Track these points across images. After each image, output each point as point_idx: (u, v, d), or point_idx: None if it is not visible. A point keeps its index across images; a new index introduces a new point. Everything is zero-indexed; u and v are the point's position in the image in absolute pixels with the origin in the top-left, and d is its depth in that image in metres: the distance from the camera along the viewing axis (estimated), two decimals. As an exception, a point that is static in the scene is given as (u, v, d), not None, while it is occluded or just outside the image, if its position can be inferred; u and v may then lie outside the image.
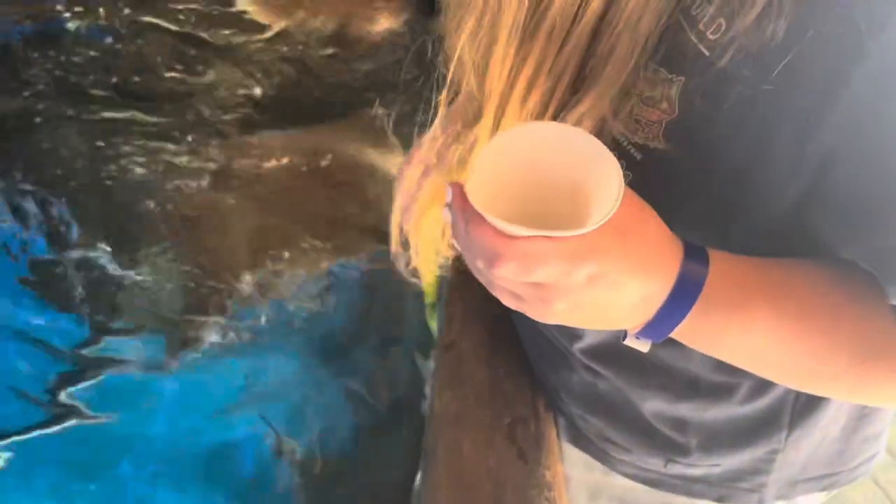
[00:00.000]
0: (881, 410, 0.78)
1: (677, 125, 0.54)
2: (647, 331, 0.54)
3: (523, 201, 0.50)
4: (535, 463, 0.78)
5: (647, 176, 0.56)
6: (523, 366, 0.87)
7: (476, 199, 0.47)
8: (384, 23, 1.39)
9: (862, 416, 0.77)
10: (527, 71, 0.57)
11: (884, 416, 0.80)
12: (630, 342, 0.58)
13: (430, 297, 0.99)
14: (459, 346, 0.89)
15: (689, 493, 0.83)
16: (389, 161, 1.31)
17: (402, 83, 1.31)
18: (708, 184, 0.57)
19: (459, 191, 0.49)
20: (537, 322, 0.82)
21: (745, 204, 0.56)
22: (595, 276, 0.48)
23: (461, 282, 0.95)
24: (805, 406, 0.73)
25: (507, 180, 0.50)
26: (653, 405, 0.75)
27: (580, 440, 0.85)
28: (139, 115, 1.29)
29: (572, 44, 0.53)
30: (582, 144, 0.48)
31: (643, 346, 0.58)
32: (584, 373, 0.79)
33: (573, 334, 0.76)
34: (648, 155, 0.56)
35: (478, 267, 0.51)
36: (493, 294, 0.54)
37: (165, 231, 1.22)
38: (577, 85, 0.56)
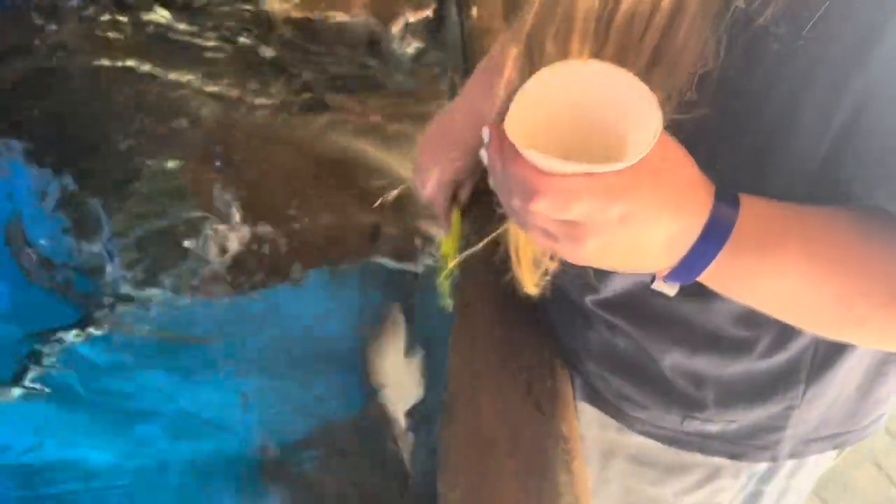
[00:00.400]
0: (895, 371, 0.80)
1: (712, 78, 0.55)
2: (675, 273, 0.55)
3: (561, 140, 0.51)
4: (550, 416, 0.79)
5: (678, 128, 0.58)
6: (538, 328, 0.88)
7: (514, 134, 0.48)
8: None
9: (877, 374, 0.78)
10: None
11: None
12: (658, 286, 0.59)
13: (444, 271, 1.00)
14: (476, 305, 0.90)
15: (704, 451, 0.84)
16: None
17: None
18: (739, 137, 0.58)
19: (497, 129, 0.50)
20: (555, 279, 0.84)
21: (777, 156, 0.57)
22: (627, 214, 0.49)
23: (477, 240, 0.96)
24: (823, 362, 0.74)
25: (545, 119, 0.50)
26: (672, 359, 0.77)
27: (596, 399, 0.86)
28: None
29: (651, 35, 0.54)
30: (622, 84, 0.49)
31: (671, 290, 0.59)
32: (603, 330, 0.80)
33: (587, 286, 0.77)
34: (680, 107, 0.58)
35: (513, 206, 0.52)
36: (527, 234, 0.56)
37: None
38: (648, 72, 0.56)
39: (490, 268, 0.92)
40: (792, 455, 0.84)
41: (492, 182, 0.56)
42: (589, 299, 0.79)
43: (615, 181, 0.48)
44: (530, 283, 0.69)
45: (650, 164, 0.48)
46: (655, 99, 0.47)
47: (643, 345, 0.77)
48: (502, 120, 0.49)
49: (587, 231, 0.50)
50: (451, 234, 0.91)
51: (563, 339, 0.87)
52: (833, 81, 0.52)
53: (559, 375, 0.85)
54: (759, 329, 0.71)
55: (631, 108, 0.48)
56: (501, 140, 0.49)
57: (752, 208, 0.54)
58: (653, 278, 0.59)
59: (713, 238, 0.53)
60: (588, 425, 0.88)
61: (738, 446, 0.83)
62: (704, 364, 0.76)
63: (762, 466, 0.87)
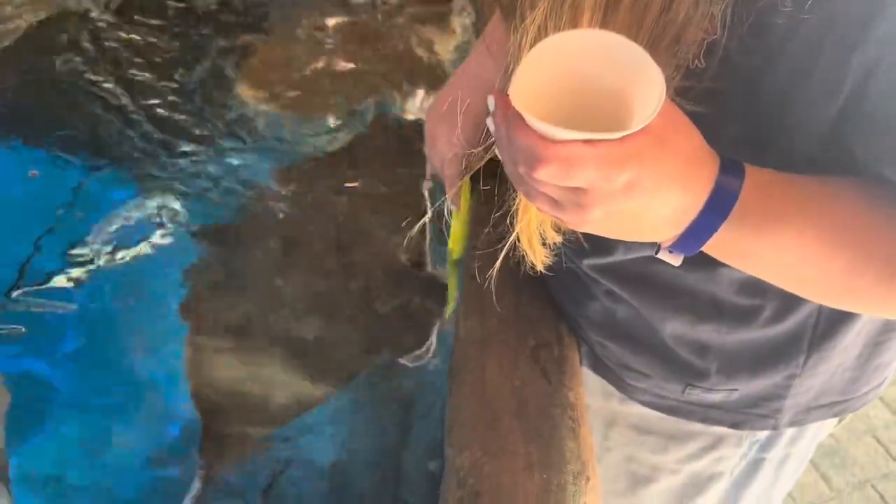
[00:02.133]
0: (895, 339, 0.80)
1: (717, 47, 0.55)
2: (679, 243, 0.56)
3: (565, 109, 0.51)
4: (558, 384, 0.80)
5: (684, 100, 0.57)
6: (546, 293, 0.89)
7: (519, 102, 0.48)
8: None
9: (878, 342, 0.79)
10: None
11: None
12: (663, 255, 0.59)
13: (455, 254, 0.99)
14: (485, 273, 0.90)
15: (705, 420, 0.85)
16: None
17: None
18: (745, 107, 0.58)
19: (502, 97, 0.51)
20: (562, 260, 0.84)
21: (783, 128, 0.57)
22: (632, 182, 0.49)
23: (484, 214, 0.96)
24: (825, 331, 0.75)
25: (549, 88, 0.51)
26: (673, 328, 0.77)
27: (599, 367, 0.87)
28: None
29: (652, 13, 0.53)
30: (626, 52, 0.49)
31: (675, 260, 0.59)
32: (604, 299, 0.81)
33: (580, 250, 0.77)
34: (686, 78, 0.58)
35: (518, 173, 0.52)
36: (532, 202, 0.56)
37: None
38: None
39: (497, 237, 0.93)
40: (793, 423, 0.84)
41: (498, 151, 0.56)
42: (588, 264, 0.79)
43: (620, 149, 0.48)
44: (538, 259, 0.69)
45: (656, 133, 0.49)
46: (658, 68, 0.47)
47: (643, 313, 0.78)
48: (507, 88, 0.49)
49: (592, 199, 0.51)
50: (461, 210, 0.91)
51: (564, 307, 0.88)
52: (838, 55, 0.52)
53: (566, 343, 0.85)
54: (763, 298, 0.72)
55: (635, 77, 0.48)
56: (506, 108, 0.50)
57: (757, 179, 0.54)
58: (657, 248, 0.59)
59: (718, 208, 0.53)
60: (591, 393, 0.89)
61: (739, 415, 0.84)
62: (707, 333, 0.76)
63: (763, 434, 0.89)
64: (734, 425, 0.85)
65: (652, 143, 0.49)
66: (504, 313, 0.85)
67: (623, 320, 0.81)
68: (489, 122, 0.56)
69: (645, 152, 0.49)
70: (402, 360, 1.03)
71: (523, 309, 0.86)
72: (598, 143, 0.48)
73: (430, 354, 1.03)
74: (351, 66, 1.43)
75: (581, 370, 0.87)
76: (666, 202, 0.52)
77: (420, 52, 1.47)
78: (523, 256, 0.69)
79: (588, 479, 0.74)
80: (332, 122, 1.35)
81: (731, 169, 0.54)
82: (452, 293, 0.99)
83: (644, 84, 0.48)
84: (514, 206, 0.65)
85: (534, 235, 0.67)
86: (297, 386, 1.01)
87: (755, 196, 0.54)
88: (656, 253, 0.60)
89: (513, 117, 0.50)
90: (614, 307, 0.80)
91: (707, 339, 0.77)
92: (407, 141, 1.32)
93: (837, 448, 1.91)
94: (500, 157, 0.57)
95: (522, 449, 0.74)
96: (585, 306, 0.84)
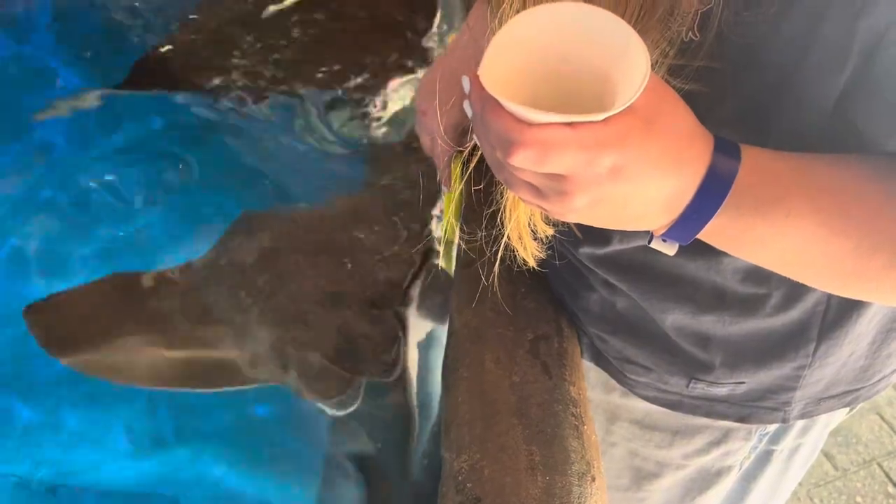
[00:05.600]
0: None
1: (712, 20, 0.51)
2: (673, 231, 0.52)
3: (543, 90, 0.47)
4: (559, 378, 0.75)
5: (678, 74, 0.53)
6: (544, 284, 0.84)
7: (491, 84, 0.44)
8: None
9: (891, 329, 0.75)
10: None
11: None
12: (656, 245, 0.55)
13: (448, 234, 0.95)
14: (478, 264, 0.86)
15: (711, 414, 0.81)
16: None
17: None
18: (742, 84, 0.54)
19: (476, 78, 0.46)
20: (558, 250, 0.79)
21: (786, 101, 0.53)
22: (618, 167, 0.45)
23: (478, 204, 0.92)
24: (835, 319, 0.70)
25: (525, 66, 0.46)
26: (675, 320, 0.73)
27: (601, 360, 0.83)
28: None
29: None
30: (607, 26, 0.44)
31: (670, 249, 0.55)
32: (602, 290, 0.76)
33: (575, 241, 0.73)
34: (680, 52, 0.53)
35: (496, 159, 0.48)
36: (512, 190, 0.52)
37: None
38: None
39: (493, 225, 0.89)
40: (802, 415, 0.81)
41: (476, 136, 0.52)
42: (584, 254, 0.74)
43: (603, 131, 0.44)
44: (530, 255, 0.65)
45: (642, 112, 0.45)
46: (642, 43, 0.43)
47: (643, 304, 0.73)
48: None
49: (575, 186, 0.47)
50: (452, 188, 0.86)
51: (563, 299, 0.83)
52: (843, 21, 0.47)
53: (566, 335, 0.81)
54: (768, 285, 0.67)
55: (618, 54, 0.44)
56: (480, 89, 0.45)
57: (754, 159, 0.50)
58: (650, 237, 0.55)
59: (712, 193, 0.49)
60: (592, 387, 0.85)
61: (746, 408, 0.80)
62: (710, 324, 0.72)
63: (772, 427, 0.85)
64: (741, 419, 0.81)
65: (638, 123, 0.45)
66: (500, 305, 0.81)
67: (623, 312, 0.76)
68: (465, 105, 0.51)
69: (630, 134, 0.45)
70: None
71: (520, 300, 0.82)
72: (579, 126, 0.44)
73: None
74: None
75: (582, 363, 0.83)
76: (656, 188, 0.48)
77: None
78: (516, 253, 0.65)
79: (593, 479, 0.70)
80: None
81: (726, 149, 0.49)
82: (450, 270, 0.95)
83: (628, 61, 0.44)
84: (503, 203, 0.61)
85: (524, 231, 0.63)
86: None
87: (753, 177, 0.50)
88: (649, 242, 0.56)
89: (487, 99, 0.45)
90: (613, 299, 0.76)
91: (710, 330, 0.73)
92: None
93: (841, 426, 1.88)
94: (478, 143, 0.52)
95: (524, 449, 0.70)
96: (584, 298, 0.79)
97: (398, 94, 1.39)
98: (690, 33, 0.51)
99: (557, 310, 0.83)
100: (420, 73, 1.43)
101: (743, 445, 0.86)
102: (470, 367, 0.77)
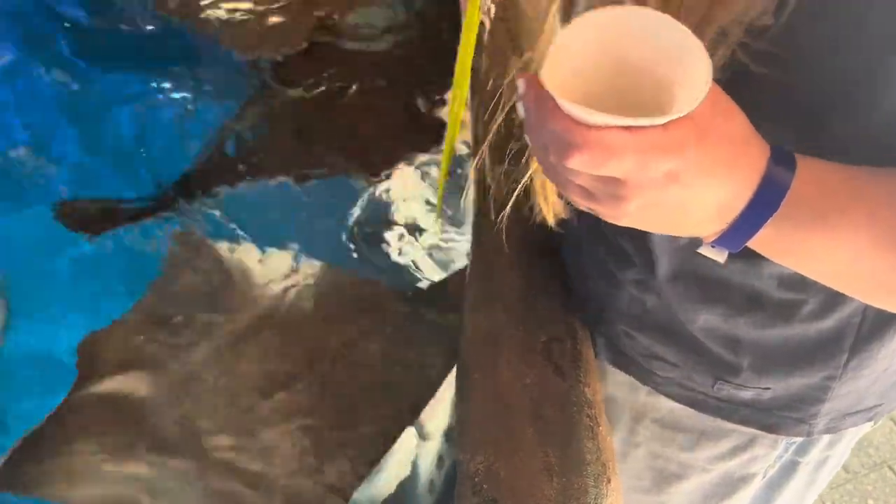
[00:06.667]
0: None
1: (778, 22, 0.51)
2: (724, 239, 0.51)
3: (601, 92, 0.47)
4: (573, 380, 0.75)
5: (736, 83, 0.53)
6: (556, 284, 0.84)
7: (551, 84, 0.44)
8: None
9: None
10: None
11: None
12: (705, 251, 0.55)
13: (443, 173, 0.94)
14: (490, 265, 0.86)
15: (734, 418, 0.80)
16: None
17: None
18: (801, 91, 0.53)
19: (534, 79, 0.46)
20: (586, 244, 0.79)
21: (837, 108, 0.53)
22: (674, 173, 0.45)
23: (489, 206, 0.92)
24: (871, 331, 0.69)
25: (584, 70, 0.46)
26: (706, 321, 0.72)
27: (622, 359, 0.82)
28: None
29: None
30: (667, 31, 0.45)
31: (719, 257, 0.55)
32: (632, 288, 0.76)
33: (625, 262, 0.73)
34: (736, 58, 0.53)
35: (549, 162, 0.48)
36: (564, 193, 0.51)
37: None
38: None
39: (505, 229, 0.89)
40: (827, 430, 0.79)
41: (528, 138, 0.51)
42: (620, 272, 0.74)
43: (661, 137, 0.44)
44: (550, 212, 0.64)
45: (699, 119, 0.44)
46: (703, 47, 0.43)
47: (675, 306, 0.73)
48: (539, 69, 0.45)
49: (630, 190, 0.46)
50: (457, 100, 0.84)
51: (589, 295, 0.83)
52: None
53: (579, 336, 0.81)
54: (805, 292, 0.67)
55: (677, 58, 0.44)
56: (537, 90, 0.45)
57: (809, 170, 0.50)
58: (699, 243, 0.55)
59: (765, 202, 0.49)
60: (618, 386, 0.84)
61: (771, 416, 0.79)
62: (742, 326, 0.71)
63: (799, 438, 0.83)
64: (765, 428, 0.80)
65: (695, 130, 0.45)
66: (512, 307, 0.81)
67: (652, 310, 0.76)
68: (519, 106, 0.51)
69: (687, 141, 0.45)
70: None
71: (532, 302, 0.82)
72: (638, 130, 0.44)
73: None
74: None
75: (602, 364, 0.83)
76: (710, 195, 0.48)
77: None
78: (534, 210, 0.64)
79: (609, 480, 0.70)
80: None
81: (781, 159, 0.49)
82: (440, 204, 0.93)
83: (688, 66, 0.44)
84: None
85: (548, 183, 0.62)
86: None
87: (808, 189, 0.49)
88: (698, 249, 0.55)
89: (544, 100, 0.45)
90: (643, 297, 0.76)
91: (741, 332, 0.72)
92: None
93: (852, 430, 1.87)
94: (528, 144, 0.53)
95: (539, 451, 0.70)
96: (612, 296, 0.79)
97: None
98: (765, 17, 0.50)
99: (569, 311, 0.82)
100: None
101: (768, 453, 0.85)
102: (483, 370, 0.77)
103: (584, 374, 0.76)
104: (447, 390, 0.91)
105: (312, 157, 1.22)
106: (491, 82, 1.07)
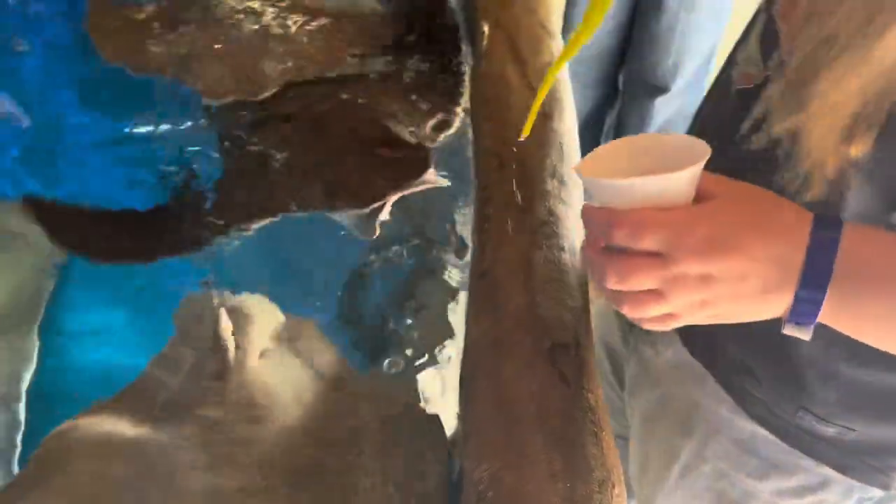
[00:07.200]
0: None
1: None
2: (795, 311, 0.53)
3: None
4: (578, 387, 0.76)
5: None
6: (559, 292, 0.85)
7: (581, 169, 0.57)
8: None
9: None
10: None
11: None
12: (790, 331, 0.56)
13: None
14: (493, 272, 0.86)
15: (812, 452, 0.79)
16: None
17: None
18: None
19: (587, 208, 0.58)
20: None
21: None
22: (712, 236, 0.50)
23: (491, 212, 0.93)
24: None
25: (610, 170, 0.57)
26: (810, 349, 0.71)
27: (715, 366, 0.82)
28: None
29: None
30: (674, 140, 0.57)
31: (804, 334, 0.56)
32: None
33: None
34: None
35: (607, 279, 0.56)
36: (631, 309, 0.58)
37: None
38: None
39: (506, 225, 0.89)
40: None
41: (589, 269, 0.62)
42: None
43: (691, 209, 0.51)
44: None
45: (725, 193, 0.51)
46: (702, 142, 0.54)
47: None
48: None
49: (679, 263, 0.51)
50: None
51: None
52: None
53: (583, 344, 0.81)
54: None
55: (686, 153, 0.54)
56: (587, 210, 0.57)
57: (861, 231, 0.52)
58: (783, 323, 0.56)
59: (821, 251, 0.51)
60: (706, 394, 0.84)
61: (849, 458, 0.77)
62: (844, 364, 0.71)
63: (876, 493, 0.81)
64: (841, 468, 0.78)
65: (721, 201, 0.51)
66: (516, 314, 0.81)
67: (755, 328, 0.76)
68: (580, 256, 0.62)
69: (717, 207, 0.51)
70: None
71: (536, 308, 0.82)
72: (668, 209, 0.52)
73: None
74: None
75: (696, 366, 0.84)
76: (759, 248, 0.51)
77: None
78: None
79: (614, 485, 0.70)
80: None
81: (825, 220, 0.52)
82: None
83: (696, 156, 0.54)
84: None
85: None
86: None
87: (863, 248, 0.51)
88: (783, 329, 0.57)
89: (587, 208, 0.57)
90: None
91: (842, 369, 0.71)
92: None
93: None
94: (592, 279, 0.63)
95: (544, 457, 0.70)
96: None
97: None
98: None
99: (573, 318, 0.83)
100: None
101: (838, 502, 0.83)
102: (488, 377, 0.77)
103: (587, 381, 0.76)
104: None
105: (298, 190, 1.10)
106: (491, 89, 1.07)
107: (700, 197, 0.54)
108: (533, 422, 0.73)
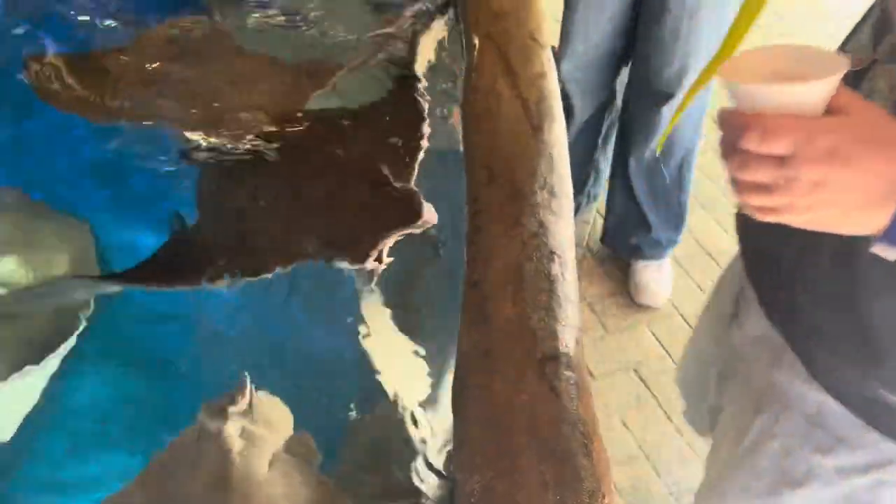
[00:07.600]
0: None
1: None
2: (891, 232, 0.56)
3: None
4: (567, 398, 0.76)
5: None
6: (550, 302, 0.86)
7: (722, 71, 0.59)
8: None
9: None
10: None
11: None
12: (879, 250, 0.59)
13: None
14: (484, 284, 0.87)
15: (878, 423, 0.79)
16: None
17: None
18: None
19: (723, 112, 0.60)
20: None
21: None
22: (834, 147, 0.54)
23: (482, 223, 0.94)
24: None
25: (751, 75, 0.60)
26: (882, 306, 0.72)
27: (788, 331, 0.85)
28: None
29: None
30: (816, 52, 0.59)
31: (890, 253, 0.59)
32: (824, 262, 0.77)
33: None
34: None
35: (734, 168, 0.59)
36: (744, 197, 0.60)
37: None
38: None
39: (497, 234, 0.90)
40: None
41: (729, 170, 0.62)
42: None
43: (817, 119, 0.55)
44: None
45: (845, 108, 0.55)
46: (843, 57, 0.57)
47: (858, 284, 0.73)
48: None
49: (797, 167, 0.55)
50: None
51: (783, 261, 0.84)
52: None
53: (573, 354, 0.82)
54: None
55: (822, 67, 0.57)
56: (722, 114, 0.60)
57: None
58: (872, 241, 0.59)
59: None
60: (780, 368, 0.87)
61: None
62: None
63: None
64: None
65: (843, 117, 0.55)
66: (507, 325, 0.82)
67: (837, 293, 0.77)
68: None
69: (840, 122, 0.55)
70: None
71: (526, 320, 0.83)
72: (799, 118, 0.56)
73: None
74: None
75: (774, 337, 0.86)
76: (874, 165, 0.54)
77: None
78: None
79: (604, 496, 0.71)
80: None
81: None
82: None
83: (835, 69, 0.57)
84: None
85: None
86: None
87: None
88: (871, 248, 0.59)
89: (723, 112, 0.59)
90: (833, 269, 0.76)
91: None
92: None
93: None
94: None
95: (535, 468, 0.71)
96: (801, 271, 0.81)
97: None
98: None
99: (563, 329, 0.84)
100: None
101: None
102: (479, 388, 0.78)
103: (577, 392, 0.77)
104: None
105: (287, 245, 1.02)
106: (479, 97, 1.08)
107: (833, 109, 0.57)
108: (523, 433, 0.73)
